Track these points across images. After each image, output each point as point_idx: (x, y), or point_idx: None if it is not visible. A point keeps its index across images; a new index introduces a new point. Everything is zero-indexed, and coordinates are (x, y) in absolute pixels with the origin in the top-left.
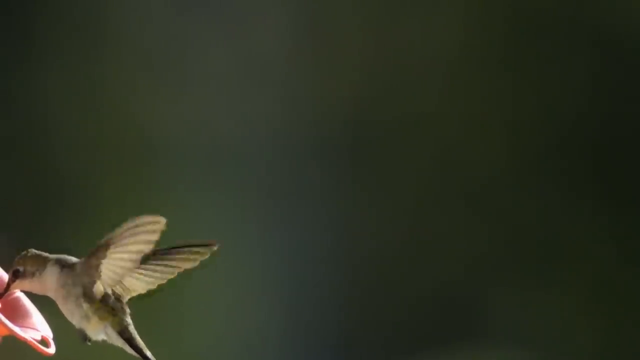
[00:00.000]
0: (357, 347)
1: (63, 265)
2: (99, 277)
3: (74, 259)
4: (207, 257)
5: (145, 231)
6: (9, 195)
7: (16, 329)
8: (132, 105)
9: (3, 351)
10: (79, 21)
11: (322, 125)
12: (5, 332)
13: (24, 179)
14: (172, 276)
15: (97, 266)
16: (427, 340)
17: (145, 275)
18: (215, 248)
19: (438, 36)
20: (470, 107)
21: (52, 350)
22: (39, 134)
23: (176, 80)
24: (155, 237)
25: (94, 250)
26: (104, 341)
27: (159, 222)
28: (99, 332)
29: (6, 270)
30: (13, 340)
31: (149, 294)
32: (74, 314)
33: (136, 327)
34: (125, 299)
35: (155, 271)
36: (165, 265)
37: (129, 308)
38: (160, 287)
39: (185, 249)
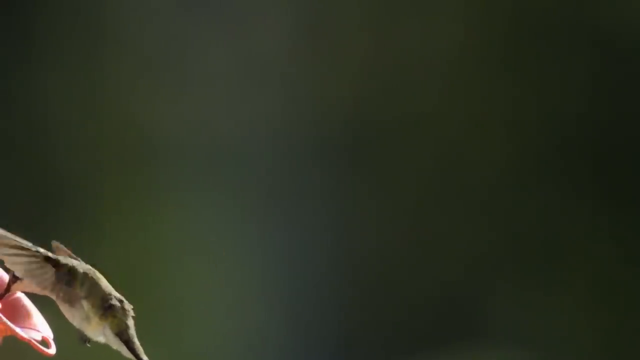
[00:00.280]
0: (357, 347)
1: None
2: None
3: (76, 261)
4: None
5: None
6: (9, 195)
7: (17, 330)
8: (132, 105)
9: (3, 352)
10: (79, 21)
11: (323, 125)
12: (5, 333)
13: (24, 179)
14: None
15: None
16: (427, 341)
17: None
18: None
19: (438, 36)
20: (471, 107)
21: (52, 350)
22: (39, 134)
23: (176, 80)
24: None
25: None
26: (104, 342)
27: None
28: (99, 333)
29: (6, 271)
30: (13, 341)
31: None
32: (75, 315)
33: (136, 327)
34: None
35: None
36: None
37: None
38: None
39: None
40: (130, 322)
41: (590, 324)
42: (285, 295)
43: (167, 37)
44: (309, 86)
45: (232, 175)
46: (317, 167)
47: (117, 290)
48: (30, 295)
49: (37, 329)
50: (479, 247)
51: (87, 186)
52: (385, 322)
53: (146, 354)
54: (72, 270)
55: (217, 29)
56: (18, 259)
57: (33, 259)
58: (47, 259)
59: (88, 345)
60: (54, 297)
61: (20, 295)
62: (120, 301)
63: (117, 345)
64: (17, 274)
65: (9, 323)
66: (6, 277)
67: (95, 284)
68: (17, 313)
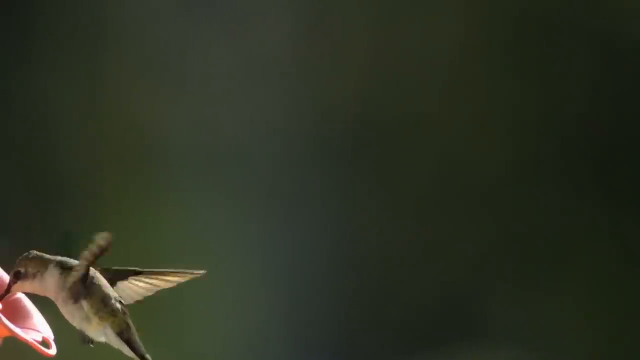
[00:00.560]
0: (357, 347)
1: (63, 267)
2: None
3: (74, 262)
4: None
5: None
6: (9, 196)
7: (17, 330)
8: (133, 105)
9: (4, 352)
10: (80, 21)
11: (323, 125)
12: (6, 333)
13: (24, 179)
14: (150, 294)
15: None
16: (427, 341)
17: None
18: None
19: (439, 36)
20: (471, 108)
21: (53, 351)
22: (39, 134)
23: (177, 80)
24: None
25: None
26: (105, 342)
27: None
28: (100, 333)
29: (7, 271)
30: (14, 342)
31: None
32: (75, 315)
33: (136, 327)
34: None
35: (139, 287)
36: (147, 283)
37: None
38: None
39: (171, 273)
40: (130, 322)
41: (590, 324)
42: (285, 295)
43: (168, 37)
44: (310, 86)
45: (232, 175)
46: (318, 167)
47: None
48: (30, 296)
49: (38, 329)
50: (480, 247)
51: (87, 186)
52: (385, 322)
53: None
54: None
55: (218, 29)
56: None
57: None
58: (55, 263)
59: (91, 345)
60: (54, 298)
61: (20, 295)
62: (120, 301)
63: (118, 344)
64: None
65: (9, 324)
66: (7, 278)
67: (94, 285)
68: (17, 314)
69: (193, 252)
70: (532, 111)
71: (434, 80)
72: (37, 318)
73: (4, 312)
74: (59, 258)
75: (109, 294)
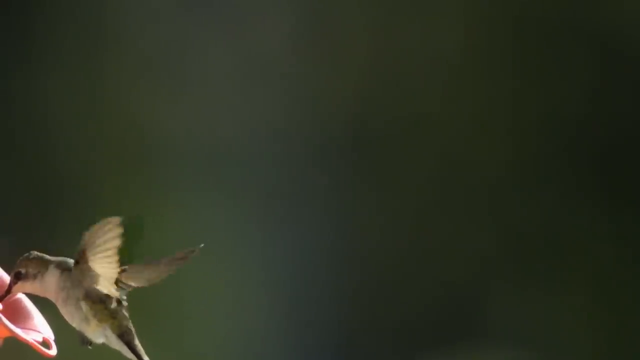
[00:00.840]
0: (358, 347)
1: (63, 269)
2: (96, 279)
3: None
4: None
5: (109, 230)
6: (9, 196)
7: (18, 331)
8: (133, 106)
9: (4, 353)
10: (79, 21)
11: (323, 125)
12: (6, 334)
13: (24, 179)
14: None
15: (88, 269)
16: (427, 341)
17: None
18: (195, 252)
19: (440, 37)
20: (473, 109)
21: (53, 352)
22: (39, 134)
23: (177, 81)
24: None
25: (77, 258)
26: (104, 344)
27: (113, 222)
28: (99, 334)
29: (7, 272)
30: (14, 342)
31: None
32: (74, 316)
33: (136, 328)
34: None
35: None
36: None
37: (129, 309)
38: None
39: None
40: (130, 324)
41: (590, 324)
42: (285, 295)
43: (168, 38)
44: (310, 86)
45: (232, 175)
46: (318, 167)
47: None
48: (31, 297)
49: (38, 330)
50: (480, 247)
51: (87, 186)
52: (385, 322)
53: (146, 354)
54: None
55: (218, 29)
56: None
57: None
58: (56, 264)
59: (89, 347)
60: (54, 299)
61: (21, 296)
62: (119, 302)
63: (118, 346)
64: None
65: (9, 325)
66: (7, 279)
67: (95, 285)
68: (18, 314)
69: None
70: (532, 111)
71: (434, 80)
72: (38, 319)
73: (4, 312)
74: (59, 259)
75: (109, 295)
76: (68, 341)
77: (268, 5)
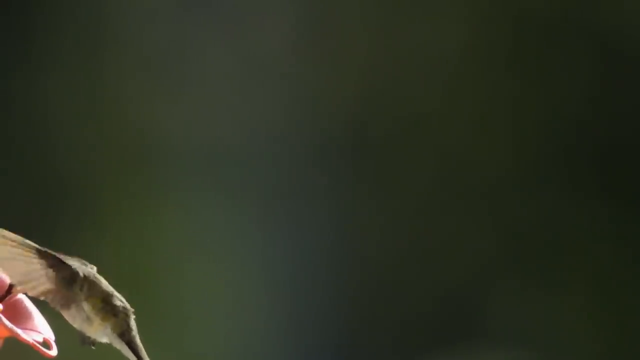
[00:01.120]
0: (358, 347)
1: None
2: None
3: (76, 262)
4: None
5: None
6: (9, 196)
7: (18, 331)
8: (133, 105)
9: (4, 353)
10: (79, 21)
11: (324, 125)
12: (7, 334)
13: (24, 179)
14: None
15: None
16: (428, 341)
17: None
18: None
19: (441, 37)
20: (473, 109)
21: (54, 352)
22: (39, 135)
23: (176, 81)
24: None
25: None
26: (106, 343)
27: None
28: (102, 334)
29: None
30: (15, 343)
31: None
32: (75, 317)
33: (137, 327)
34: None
35: None
36: None
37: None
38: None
39: None
40: (132, 323)
41: (590, 324)
42: (285, 295)
43: (167, 38)
44: (310, 86)
45: (232, 175)
46: (318, 167)
47: (117, 290)
48: (31, 297)
49: (39, 330)
50: (480, 247)
51: (87, 186)
52: (385, 322)
53: (147, 354)
54: (72, 272)
55: (217, 29)
56: (17, 262)
57: (34, 261)
58: (47, 260)
59: (93, 347)
60: (50, 300)
61: (21, 296)
62: (121, 301)
63: (119, 345)
64: (13, 279)
65: (10, 325)
66: (7, 279)
67: (95, 285)
68: (18, 314)
69: (193, 252)
70: (533, 111)
71: (434, 80)
72: (38, 319)
73: (4, 313)
74: (60, 256)
75: (110, 294)
76: (69, 341)
77: (267, 6)
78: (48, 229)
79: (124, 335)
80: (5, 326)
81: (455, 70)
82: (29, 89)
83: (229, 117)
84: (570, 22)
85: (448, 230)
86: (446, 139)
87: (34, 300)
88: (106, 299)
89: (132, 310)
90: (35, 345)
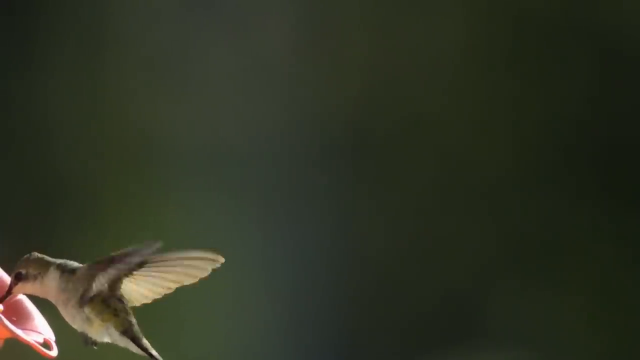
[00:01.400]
0: (358, 347)
1: (64, 270)
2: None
3: (75, 264)
4: (209, 273)
5: (141, 254)
6: (9, 195)
7: (18, 332)
8: (134, 106)
9: (5, 354)
10: (81, 22)
11: (325, 126)
12: (7, 335)
13: (24, 179)
14: (169, 291)
15: (94, 276)
16: (428, 341)
17: (141, 287)
18: (219, 264)
19: (441, 38)
20: (473, 109)
21: (54, 352)
22: (39, 134)
23: (178, 81)
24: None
25: (97, 262)
26: (107, 343)
27: (155, 245)
28: (102, 334)
29: (7, 272)
30: (15, 343)
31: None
32: (75, 318)
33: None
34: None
35: (154, 284)
36: (163, 279)
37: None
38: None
39: (186, 261)
40: (133, 319)
41: (590, 324)
42: (285, 295)
43: (169, 38)
44: (311, 87)
45: (233, 175)
46: (318, 167)
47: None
48: (32, 298)
49: (39, 330)
50: (480, 247)
51: (88, 187)
52: (386, 324)
53: None
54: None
55: (219, 29)
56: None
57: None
58: (56, 266)
59: (95, 347)
60: (54, 300)
61: (22, 297)
62: (121, 300)
63: (124, 343)
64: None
65: (10, 325)
66: (8, 280)
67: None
68: (19, 315)
69: None
70: (532, 111)
71: (434, 80)
72: (39, 319)
73: (5, 313)
74: (59, 261)
75: (110, 294)
76: (69, 342)
77: (269, 6)
78: (48, 229)
79: (127, 332)
80: (6, 327)
81: (455, 70)
82: (30, 88)
83: (229, 117)
84: (570, 22)
85: (448, 230)
86: (446, 139)
87: (35, 300)
88: (106, 300)
89: (131, 307)
90: (35, 345)
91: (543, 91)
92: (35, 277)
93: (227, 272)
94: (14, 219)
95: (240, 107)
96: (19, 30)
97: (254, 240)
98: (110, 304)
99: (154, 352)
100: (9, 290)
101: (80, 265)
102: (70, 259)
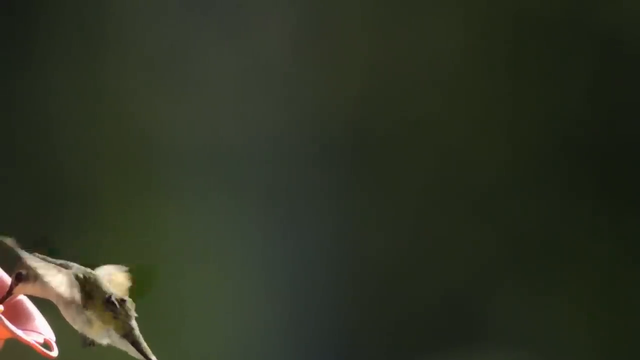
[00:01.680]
0: (358, 348)
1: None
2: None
3: (76, 265)
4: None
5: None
6: (10, 196)
7: (19, 332)
8: (134, 107)
9: (5, 354)
10: (81, 21)
11: (324, 127)
12: (7, 335)
13: (24, 179)
14: None
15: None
16: (428, 342)
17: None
18: None
19: (441, 38)
20: (473, 109)
21: (55, 353)
22: (39, 134)
23: (178, 81)
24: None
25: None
26: (107, 344)
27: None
28: (102, 336)
29: (8, 273)
30: (15, 343)
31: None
32: (76, 319)
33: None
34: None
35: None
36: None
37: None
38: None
39: None
40: (134, 323)
41: (590, 324)
42: (285, 295)
43: (169, 38)
44: (311, 87)
45: (233, 175)
46: (318, 167)
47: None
48: (32, 298)
49: (40, 331)
50: (480, 247)
51: (88, 187)
52: (386, 324)
53: None
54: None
55: (219, 29)
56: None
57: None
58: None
59: (93, 348)
60: (55, 301)
61: (22, 298)
62: (122, 302)
63: (124, 346)
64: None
65: (10, 326)
66: (8, 280)
67: (96, 287)
68: (19, 316)
69: (193, 252)
70: (532, 111)
71: (434, 81)
72: (39, 320)
73: (5, 314)
74: (60, 261)
75: (111, 295)
76: (69, 342)
77: (269, 6)
78: (48, 229)
79: (128, 336)
80: (6, 327)
81: (455, 71)
82: (30, 88)
83: (230, 117)
84: (570, 22)
85: (448, 230)
86: (446, 139)
87: (35, 301)
88: (107, 302)
89: (133, 310)
90: (35, 346)
91: (543, 91)
92: (35, 278)
93: (227, 272)
94: (14, 219)
95: (240, 107)
96: (19, 30)
97: (254, 240)
98: (110, 306)
99: (153, 358)
100: (10, 291)
101: (80, 266)
102: (70, 259)
